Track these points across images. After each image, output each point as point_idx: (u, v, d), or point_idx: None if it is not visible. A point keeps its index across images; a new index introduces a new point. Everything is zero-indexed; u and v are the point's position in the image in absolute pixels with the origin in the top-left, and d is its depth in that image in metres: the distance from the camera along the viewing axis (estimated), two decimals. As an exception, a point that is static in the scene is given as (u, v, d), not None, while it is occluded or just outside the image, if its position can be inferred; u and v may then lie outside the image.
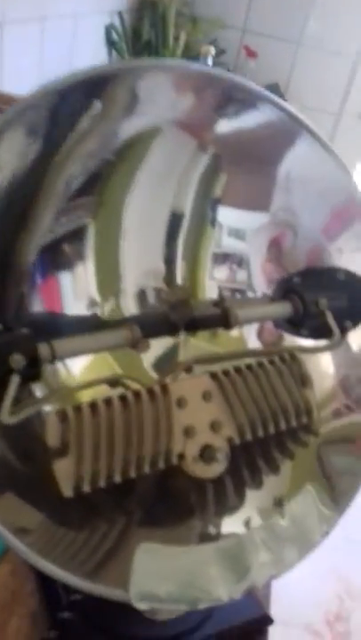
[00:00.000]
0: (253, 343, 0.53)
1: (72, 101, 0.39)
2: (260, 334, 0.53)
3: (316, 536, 0.46)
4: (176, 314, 0.49)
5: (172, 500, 0.49)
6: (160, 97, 0.42)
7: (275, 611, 0.60)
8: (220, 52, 1.95)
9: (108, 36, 1.80)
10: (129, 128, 0.44)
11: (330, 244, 0.50)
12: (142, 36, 1.88)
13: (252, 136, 0.46)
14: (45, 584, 0.56)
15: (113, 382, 0.48)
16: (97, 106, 0.39)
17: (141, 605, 0.40)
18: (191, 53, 1.98)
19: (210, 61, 1.74)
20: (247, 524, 0.46)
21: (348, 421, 0.51)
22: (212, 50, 1.77)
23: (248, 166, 0.49)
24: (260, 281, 0.53)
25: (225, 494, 0.50)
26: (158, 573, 0.41)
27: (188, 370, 0.51)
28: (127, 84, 0.40)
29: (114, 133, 0.44)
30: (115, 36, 1.80)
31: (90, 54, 1.70)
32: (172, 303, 0.52)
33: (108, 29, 1.79)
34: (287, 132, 0.45)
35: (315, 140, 0.45)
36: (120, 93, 0.40)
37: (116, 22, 1.81)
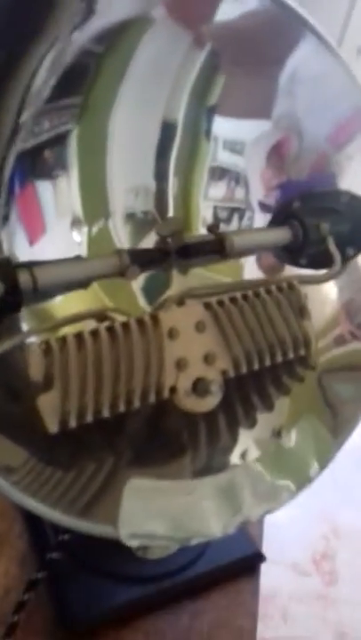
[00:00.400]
0: (251, 268, 0.50)
1: None
2: (258, 259, 0.49)
3: (312, 469, 0.45)
4: (168, 244, 0.46)
5: (163, 438, 0.47)
6: None
7: (265, 551, 0.60)
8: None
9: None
10: (115, 13, 0.40)
11: (337, 152, 0.46)
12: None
13: (255, 32, 0.42)
14: (33, 525, 0.54)
15: (100, 316, 0.45)
16: None
17: (132, 543, 0.38)
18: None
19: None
20: (244, 455, 0.45)
21: (352, 348, 0.49)
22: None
23: (249, 66, 0.45)
24: (258, 191, 0.49)
25: (217, 432, 0.48)
26: (149, 510, 0.40)
27: (181, 303, 0.48)
28: None
29: (96, 18, 0.39)
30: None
31: None
32: (164, 236, 0.48)
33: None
34: (292, 29, 0.41)
35: (321, 41, 0.41)
36: None
37: None
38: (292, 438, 0.45)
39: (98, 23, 0.38)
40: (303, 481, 0.44)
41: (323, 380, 0.48)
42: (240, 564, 0.55)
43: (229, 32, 0.42)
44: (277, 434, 0.46)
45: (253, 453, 0.45)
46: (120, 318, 0.44)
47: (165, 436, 0.48)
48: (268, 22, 0.41)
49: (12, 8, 0.34)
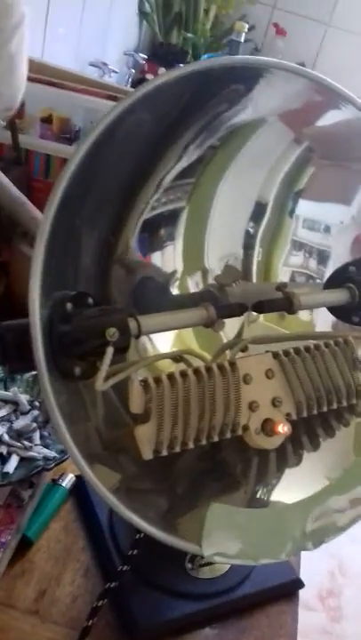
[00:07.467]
0: (321, 326, 0.57)
1: (205, 87, 0.42)
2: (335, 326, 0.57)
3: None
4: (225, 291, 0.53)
5: (216, 471, 0.53)
6: (276, 95, 0.45)
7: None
8: (250, 28, 1.99)
9: (140, 7, 1.85)
10: (240, 118, 0.48)
11: None
12: (173, 7, 1.93)
13: (347, 136, 0.49)
14: (97, 541, 0.60)
15: (176, 358, 0.52)
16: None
17: (214, 559, 0.44)
18: (221, 27, 2.01)
19: (242, 38, 1.77)
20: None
21: None
22: (245, 26, 1.80)
23: (337, 162, 0.53)
24: None
25: (267, 468, 0.54)
26: (229, 532, 0.45)
27: (244, 349, 0.54)
28: (252, 80, 0.43)
29: (226, 121, 0.47)
30: (147, 7, 1.85)
31: (123, 24, 1.74)
32: (223, 284, 0.55)
33: (141, 0, 1.84)
34: None
35: None
36: (244, 87, 0.44)
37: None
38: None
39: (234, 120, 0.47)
40: (357, 513, 0.49)
41: None
42: (281, 588, 0.61)
43: (326, 134, 0.50)
44: None
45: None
46: (193, 361, 0.51)
47: (219, 470, 0.54)
48: (359, 129, 0.48)
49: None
